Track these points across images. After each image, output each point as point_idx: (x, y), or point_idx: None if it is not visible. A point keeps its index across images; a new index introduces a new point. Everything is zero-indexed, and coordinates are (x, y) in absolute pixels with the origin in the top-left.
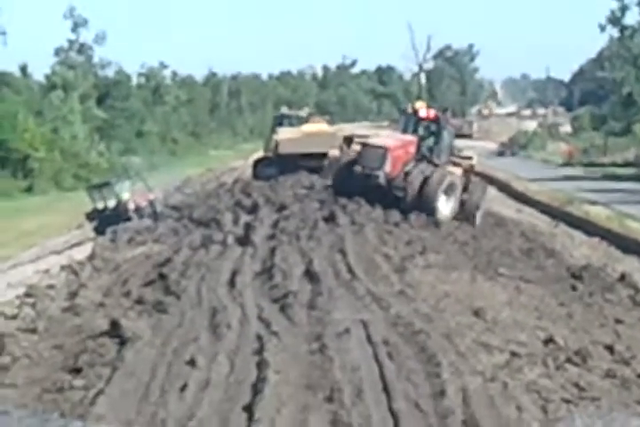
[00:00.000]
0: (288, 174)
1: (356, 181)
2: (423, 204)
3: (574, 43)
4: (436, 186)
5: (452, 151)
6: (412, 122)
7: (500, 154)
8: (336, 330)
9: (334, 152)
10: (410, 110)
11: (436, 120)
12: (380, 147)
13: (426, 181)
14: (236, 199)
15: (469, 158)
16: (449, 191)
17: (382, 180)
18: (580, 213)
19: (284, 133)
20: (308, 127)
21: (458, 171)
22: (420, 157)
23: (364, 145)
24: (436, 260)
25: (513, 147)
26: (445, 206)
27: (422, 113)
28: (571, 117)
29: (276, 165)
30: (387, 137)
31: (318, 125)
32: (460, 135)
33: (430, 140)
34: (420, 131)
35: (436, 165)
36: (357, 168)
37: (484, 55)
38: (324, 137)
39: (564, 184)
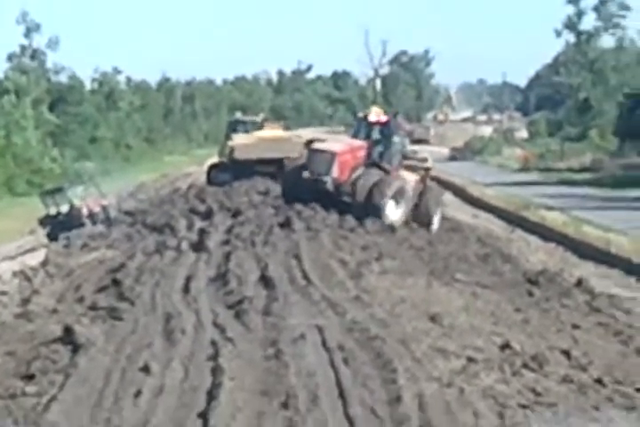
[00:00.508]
0: (243, 180)
1: (304, 186)
2: (371, 210)
3: (530, 48)
4: (384, 192)
5: (406, 155)
6: (363, 127)
7: (452, 158)
8: (291, 336)
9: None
10: (361, 115)
11: (386, 125)
12: (327, 152)
13: (374, 186)
14: (191, 205)
15: (425, 160)
16: (398, 197)
17: (330, 185)
18: (537, 219)
19: (239, 139)
20: (263, 133)
21: (411, 176)
22: (371, 163)
23: (312, 150)
24: (392, 265)
25: (464, 151)
26: (394, 212)
27: (372, 117)
28: (527, 123)
29: (231, 170)
30: (335, 142)
31: (273, 131)
32: (416, 140)
33: (381, 146)
34: (371, 136)
35: (386, 171)
36: (305, 173)
37: (439, 60)
38: (279, 143)
39: (519, 189)
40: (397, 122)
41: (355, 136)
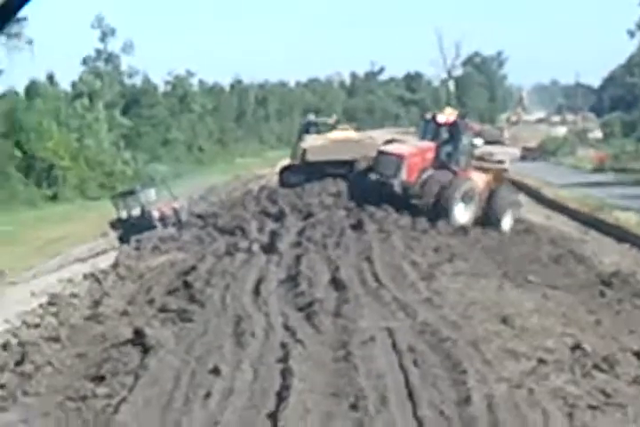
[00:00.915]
0: (315, 182)
1: (371, 188)
2: (439, 212)
3: (604, 49)
4: (453, 194)
5: (482, 157)
6: (430, 128)
7: (523, 158)
8: (362, 338)
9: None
10: (429, 116)
11: (454, 125)
12: (395, 154)
13: (442, 188)
14: (262, 207)
15: (501, 162)
16: (466, 199)
17: (398, 188)
18: (611, 220)
19: (311, 141)
20: (334, 135)
21: (481, 177)
22: (439, 164)
23: (380, 152)
24: (464, 267)
25: (535, 152)
26: (463, 214)
27: (440, 119)
28: (601, 123)
29: (303, 172)
30: (403, 144)
31: (345, 133)
32: (491, 142)
33: (449, 147)
34: (439, 137)
35: (454, 172)
36: (373, 176)
37: (512, 61)
38: (351, 144)
39: (594, 190)
40: (465, 123)
41: (422, 137)
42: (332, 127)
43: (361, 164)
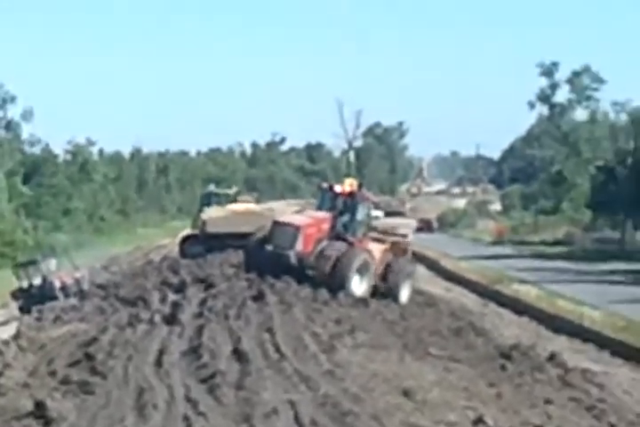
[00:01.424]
0: (216, 253)
1: (267, 259)
2: (335, 284)
3: (504, 120)
4: (349, 266)
5: (386, 231)
6: (327, 198)
7: (419, 230)
8: (264, 410)
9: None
10: (325, 186)
11: (351, 196)
12: (291, 225)
13: (338, 260)
14: (164, 277)
15: (405, 236)
16: (362, 270)
17: (293, 259)
18: (510, 292)
19: (211, 212)
20: (235, 206)
21: (377, 247)
22: (335, 235)
23: (276, 223)
24: (365, 339)
25: (431, 223)
26: (359, 286)
27: (337, 189)
28: (501, 195)
29: (203, 243)
30: (298, 215)
31: (246, 205)
32: (392, 213)
33: (345, 217)
34: (336, 207)
35: (350, 243)
36: (269, 247)
37: (413, 132)
38: (251, 216)
39: (493, 263)
40: (362, 193)
41: (319, 207)
42: (233, 198)
43: (257, 235)
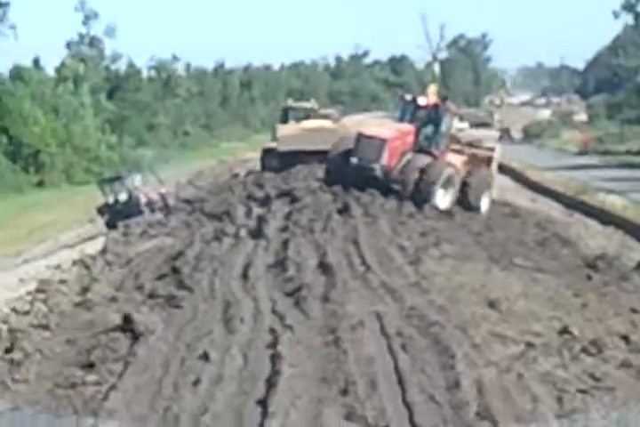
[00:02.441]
0: (302, 166)
1: (351, 172)
2: (420, 197)
3: (588, 30)
4: (434, 180)
5: (472, 144)
6: (410, 110)
7: (499, 138)
8: (350, 322)
9: None
10: (409, 98)
11: (435, 108)
12: (377, 138)
13: (423, 174)
14: (249, 192)
15: (492, 149)
16: (447, 185)
17: (379, 172)
18: (596, 203)
19: (283, 130)
20: (307, 123)
21: (458, 159)
22: (419, 147)
23: (362, 136)
24: (451, 251)
25: (509, 132)
26: (443, 200)
27: (421, 101)
28: (585, 106)
29: (279, 160)
30: (384, 127)
31: (319, 122)
32: (481, 124)
33: (429, 129)
34: (418, 119)
35: (434, 156)
36: (354, 160)
37: (497, 44)
38: (324, 134)
39: (579, 173)
40: (446, 105)
41: (401, 119)
42: (314, 111)
43: (338, 148)
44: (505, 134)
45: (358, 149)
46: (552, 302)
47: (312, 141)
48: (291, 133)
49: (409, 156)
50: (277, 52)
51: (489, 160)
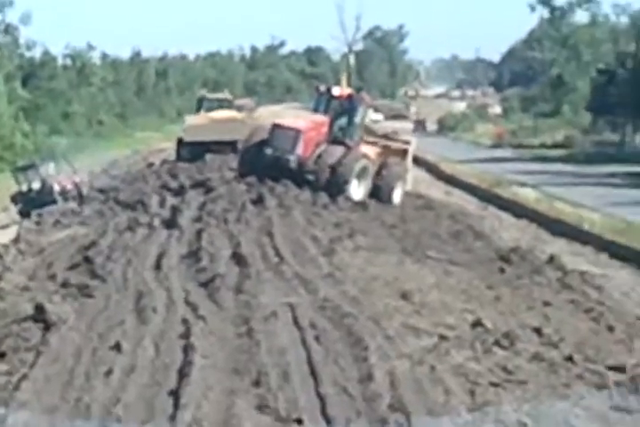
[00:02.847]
0: (216, 156)
1: (265, 163)
2: (334, 188)
3: (504, 23)
4: (349, 171)
5: (388, 136)
6: (324, 101)
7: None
8: (263, 313)
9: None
10: (323, 89)
11: (349, 99)
12: (292, 129)
13: (338, 165)
14: (163, 181)
15: (407, 143)
16: (361, 176)
17: (294, 163)
18: (509, 195)
19: (190, 120)
20: (216, 114)
21: (372, 150)
22: (333, 138)
23: (276, 126)
24: (365, 242)
25: (424, 123)
26: (357, 191)
27: (335, 91)
28: (500, 98)
29: (189, 150)
30: (298, 118)
31: (228, 112)
32: (396, 116)
33: (343, 120)
34: (333, 110)
35: (349, 147)
36: (268, 150)
37: (413, 36)
38: (232, 124)
39: (493, 166)
40: (361, 96)
41: (315, 110)
42: (228, 102)
43: (252, 139)
44: (420, 126)
45: (273, 139)
46: (465, 294)
47: (219, 132)
48: (198, 124)
49: (323, 147)
50: (193, 42)
51: (404, 152)
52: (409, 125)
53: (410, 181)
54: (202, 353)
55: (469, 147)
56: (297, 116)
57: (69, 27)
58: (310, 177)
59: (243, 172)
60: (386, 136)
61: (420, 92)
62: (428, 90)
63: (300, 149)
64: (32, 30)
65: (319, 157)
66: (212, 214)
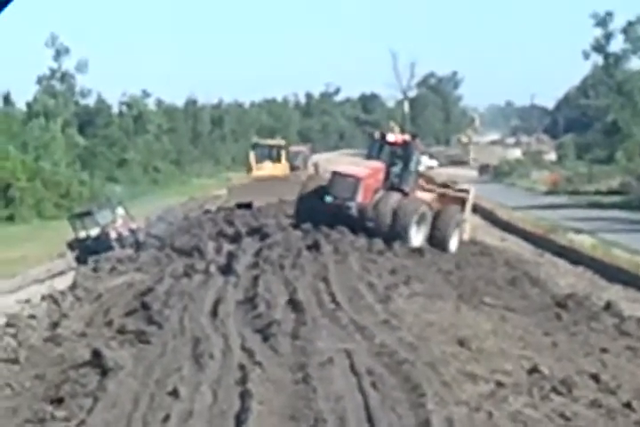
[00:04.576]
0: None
1: (325, 210)
2: (396, 235)
3: (559, 70)
4: (409, 218)
5: (447, 185)
6: (379, 147)
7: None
8: (320, 360)
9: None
10: (377, 135)
11: (404, 145)
12: (352, 176)
13: (397, 211)
14: (219, 228)
15: (466, 191)
16: (420, 222)
17: (354, 211)
18: (565, 242)
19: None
20: (259, 173)
21: (427, 197)
22: (390, 185)
23: (335, 173)
24: (420, 289)
25: (490, 169)
26: (417, 237)
27: (390, 138)
28: (555, 145)
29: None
30: (357, 166)
31: (270, 170)
32: (457, 162)
33: (398, 167)
34: (388, 157)
35: (405, 194)
36: (328, 198)
37: (467, 82)
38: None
39: (548, 212)
40: (416, 142)
41: (369, 156)
42: (280, 147)
43: (306, 188)
44: (485, 171)
45: (333, 187)
46: (522, 341)
47: (263, 193)
48: (240, 185)
49: (381, 193)
50: (248, 89)
51: (462, 201)
52: (471, 173)
53: (468, 231)
54: (259, 399)
55: (525, 193)
56: (354, 163)
57: (124, 74)
58: (370, 224)
59: (300, 219)
60: (444, 184)
61: (472, 139)
62: (482, 136)
63: (360, 197)
64: (88, 78)
65: (377, 204)
66: (268, 261)
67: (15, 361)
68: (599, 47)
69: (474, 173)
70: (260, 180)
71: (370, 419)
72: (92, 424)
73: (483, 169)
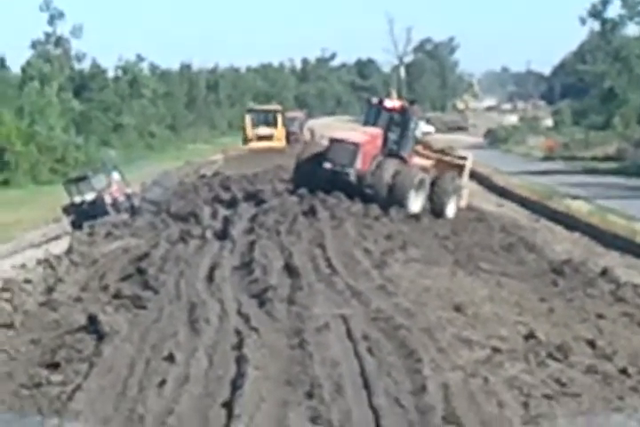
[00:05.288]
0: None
1: (323, 176)
2: (394, 201)
3: (555, 36)
4: (408, 184)
5: (445, 151)
6: (376, 113)
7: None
8: (316, 325)
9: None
10: (375, 101)
11: (402, 111)
12: (350, 142)
13: (395, 178)
14: (215, 193)
15: (464, 159)
16: (419, 188)
17: (353, 177)
18: (561, 208)
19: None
20: (256, 144)
21: (425, 163)
22: (388, 151)
23: (333, 140)
24: (417, 254)
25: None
26: (415, 203)
27: (388, 104)
28: (551, 111)
29: None
30: (355, 132)
31: (268, 143)
32: (454, 128)
33: (396, 133)
34: (386, 122)
35: (404, 160)
36: (326, 164)
37: (464, 48)
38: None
39: (544, 178)
40: (413, 108)
41: (366, 122)
42: (277, 112)
43: (303, 155)
44: (491, 137)
45: (331, 153)
46: (518, 306)
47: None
48: (235, 155)
49: (379, 160)
50: (244, 54)
51: (460, 167)
52: (471, 138)
53: (465, 198)
54: (255, 365)
55: (521, 159)
56: (352, 129)
57: (120, 39)
58: (369, 191)
59: (298, 185)
60: (442, 151)
61: (469, 105)
62: (479, 102)
63: (358, 163)
64: (83, 43)
65: (376, 170)
66: (264, 226)
67: (10, 326)
68: (596, 13)
69: (473, 139)
70: (256, 151)
71: (366, 384)
72: (88, 389)
73: (488, 134)
